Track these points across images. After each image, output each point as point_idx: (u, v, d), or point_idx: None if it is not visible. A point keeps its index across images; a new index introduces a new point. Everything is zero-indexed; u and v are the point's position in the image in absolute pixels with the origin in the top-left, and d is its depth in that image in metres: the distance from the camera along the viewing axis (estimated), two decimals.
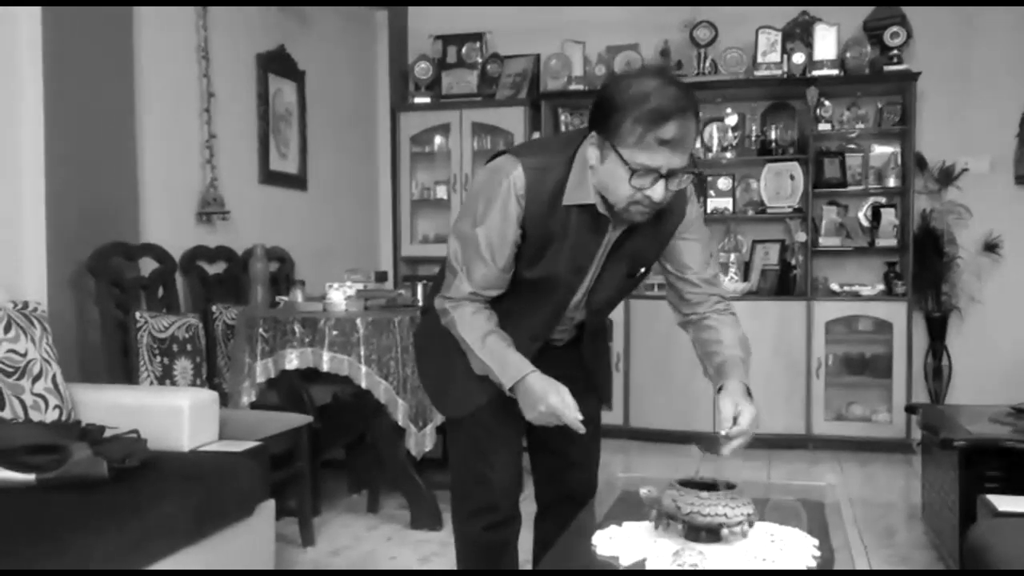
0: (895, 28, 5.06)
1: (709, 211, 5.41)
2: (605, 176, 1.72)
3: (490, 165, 1.87)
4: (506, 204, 1.79)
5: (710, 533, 1.62)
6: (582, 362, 2.08)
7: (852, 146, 5.33)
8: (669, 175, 1.67)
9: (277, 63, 4.67)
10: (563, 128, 5.68)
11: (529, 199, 1.79)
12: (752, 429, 1.82)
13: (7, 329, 2.51)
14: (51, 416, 2.52)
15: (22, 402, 2.47)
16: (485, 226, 1.82)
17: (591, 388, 2.10)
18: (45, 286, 3.09)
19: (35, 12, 3.07)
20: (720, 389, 1.92)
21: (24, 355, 2.52)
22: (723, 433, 1.80)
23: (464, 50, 5.80)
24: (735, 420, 1.82)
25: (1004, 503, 2.22)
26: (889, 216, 5.18)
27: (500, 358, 1.85)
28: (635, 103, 1.62)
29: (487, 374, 1.88)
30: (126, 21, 3.56)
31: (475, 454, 2.04)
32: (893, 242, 5.14)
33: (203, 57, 4.04)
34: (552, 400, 1.79)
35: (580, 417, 1.80)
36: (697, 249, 2.00)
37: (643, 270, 1.97)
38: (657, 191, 1.68)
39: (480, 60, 5.77)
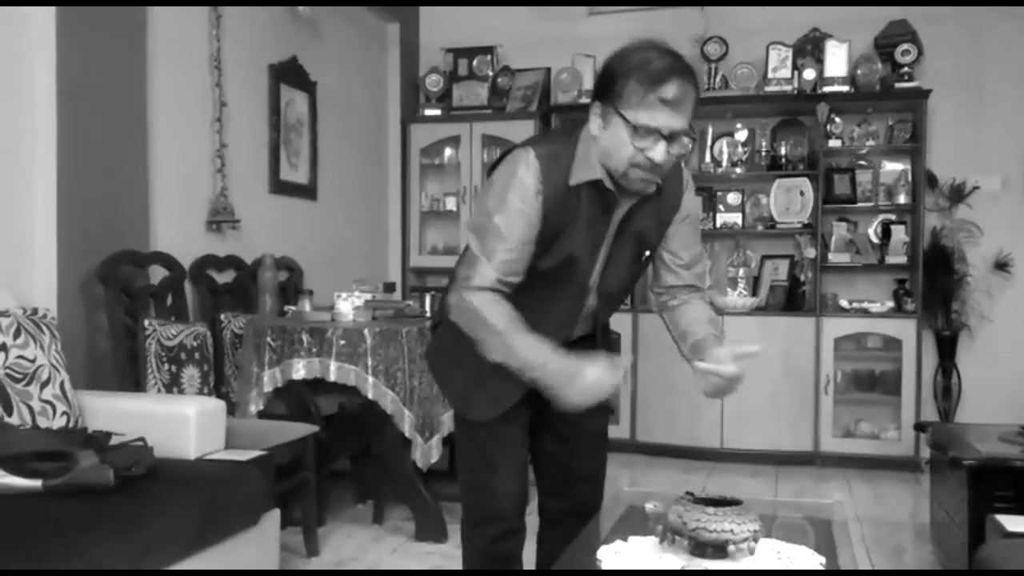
0: (906, 45, 5.06)
1: (718, 226, 5.41)
2: (607, 142, 1.78)
3: (505, 159, 1.90)
4: (524, 189, 1.81)
5: (716, 549, 1.61)
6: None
7: (862, 162, 5.32)
8: (670, 138, 1.73)
9: (289, 74, 4.70)
10: None
11: (545, 184, 1.82)
12: (733, 380, 1.87)
13: (16, 335, 2.52)
14: (58, 423, 2.53)
15: (30, 408, 2.48)
16: (504, 212, 1.82)
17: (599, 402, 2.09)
18: (55, 293, 3.10)
19: (50, 20, 3.08)
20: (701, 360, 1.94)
21: (33, 361, 2.53)
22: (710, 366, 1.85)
23: (475, 63, 5.81)
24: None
25: (1013, 523, 2.20)
26: (899, 233, 5.17)
27: (525, 341, 1.80)
28: (638, 67, 1.72)
29: (507, 361, 1.82)
30: (139, 29, 3.59)
31: (482, 463, 2.04)
32: (903, 259, 5.12)
33: (216, 67, 4.06)
34: (589, 372, 1.75)
35: (620, 373, 1.80)
36: (692, 241, 2.06)
37: (648, 253, 1.99)
38: (658, 151, 1.73)
39: (491, 73, 5.79)
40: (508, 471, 2.03)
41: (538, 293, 1.90)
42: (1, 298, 2.65)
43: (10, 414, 2.42)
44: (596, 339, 2.07)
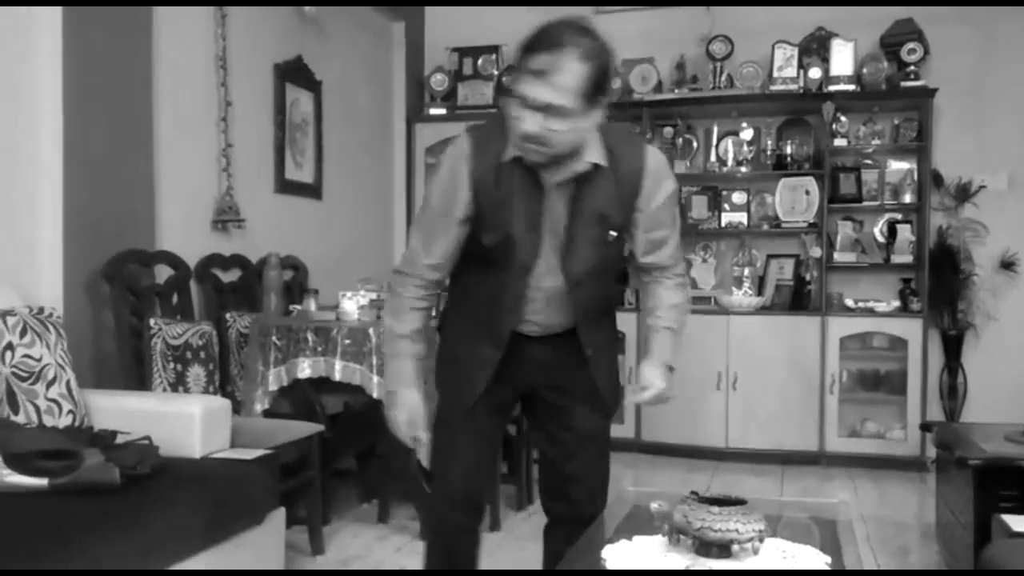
0: (912, 44, 5.05)
1: (723, 225, 5.40)
2: (510, 119, 1.82)
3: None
4: (454, 169, 1.92)
5: (721, 549, 1.60)
6: (584, 360, 2.04)
7: (868, 161, 5.31)
8: (548, 110, 1.72)
9: (294, 73, 4.70)
10: None
11: (475, 161, 1.90)
12: (655, 402, 2.00)
13: (23, 334, 2.52)
14: (64, 421, 2.54)
15: (36, 407, 2.49)
16: (436, 194, 1.96)
17: (595, 404, 2.09)
18: (61, 292, 3.11)
19: (56, 20, 3.09)
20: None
21: (39, 360, 2.54)
22: (629, 397, 1.98)
23: (480, 62, 5.82)
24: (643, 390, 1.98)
25: (1019, 523, 2.19)
26: (905, 232, 5.16)
27: (397, 360, 2.01)
28: (527, 39, 1.77)
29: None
30: (145, 29, 3.59)
31: (441, 451, 2.10)
32: (909, 258, 5.11)
33: (221, 66, 4.06)
34: (395, 412, 2.00)
35: (414, 439, 2.01)
36: (660, 222, 2.00)
37: (613, 234, 1.95)
38: (529, 122, 1.74)
39: (496, 72, 5.79)
40: (459, 462, 2.08)
41: (483, 271, 1.98)
42: (7, 297, 2.66)
43: (16, 413, 2.43)
44: (579, 334, 2.04)
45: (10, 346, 2.48)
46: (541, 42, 1.74)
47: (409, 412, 2.00)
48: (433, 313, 2.12)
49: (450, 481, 2.08)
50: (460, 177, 1.91)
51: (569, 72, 1.71)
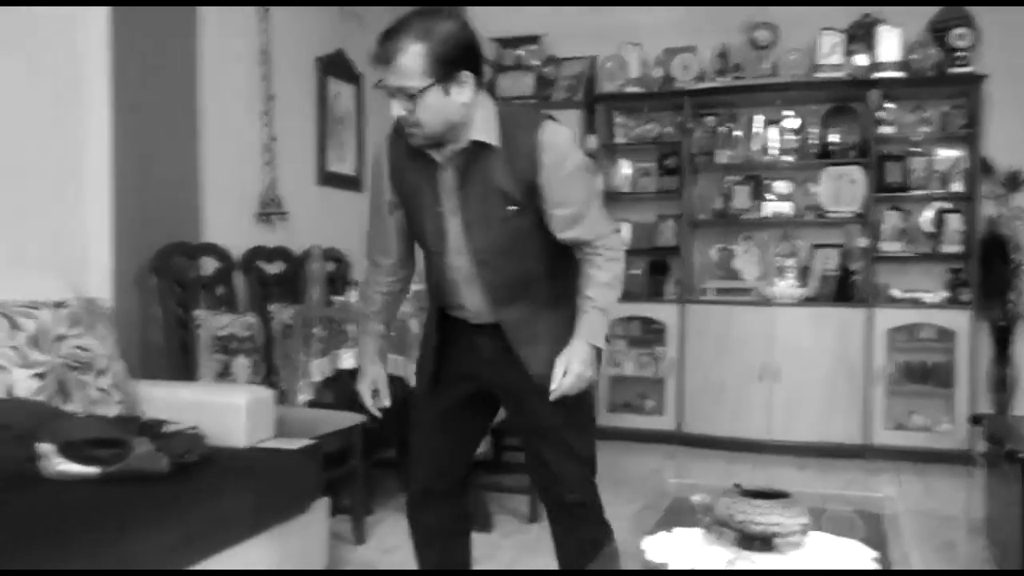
0: (961, 30, 4.94)
1: (767, 214, 5.34)
2: None
3: None
4: (377, 158, 2.09)
5: (763, 542, 1.59)
6: (506, 343, 2.03)
7: (916, 150, 5.21)
8: (399, 94, 1.83)
9: (336, 66, 4.73)
10: (619, 131, 5.65)
11: (392, 150, 2.04)
12: (573, 390, 1.96)
13: (74, 325, 2.58)
14: (114, 411, 2.59)
15: (87, 396, 2.54)
16: (371, 185, 2.14)
17: (530, 385, 2.02)
18: (110, 284, 3.17)
19: (104, 18, 3.15)
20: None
21: (90, 351, 2.59)
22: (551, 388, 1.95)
23: (521, 52, 5.80)
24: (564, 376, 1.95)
25: None
26: (954, 222, 5.06)
27: (362, 338, 2.22)
28: None
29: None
30: (190, 25, 3.64)
31: (413, 428, 2.22)
32: (958, 248, 5.01)
33: (264, 61, 4.11)
34: (360, 385, 2.18)
35: (373, 405, 2.16)
36: (566, 197, 1.97)
37: (512, 209, 1.94)
38: (394, 107, 1.85)
39: (537, 63, 5.77)
40: (419, 440, 2.20)
41: (432, 267, 2.08)
42: (60, 289, 2.72)
43: (68, 402, 2.48)
44: (497, 317, 2.03)
45: (62, 337, 2.53)
46: (386, 32, 1.84)
47: (371, 383, 2.17)
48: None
49: (415, 476, 2.21)
50: (382, 166, 2.07)
51: (407, 54, 1.80)
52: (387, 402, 2.18)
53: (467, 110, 1.88)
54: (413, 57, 1.79)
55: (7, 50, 2.85)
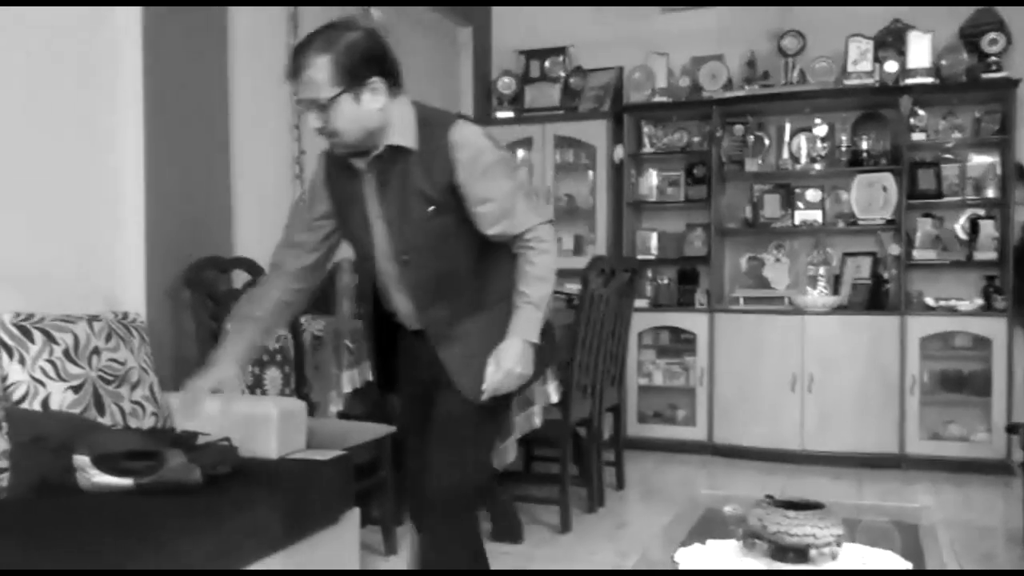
0: (993, 34, 4.88)
1: (797, 223, 5.30)
2: None
3: None
4: (316, 169, 2.15)
5: (798, 554, 1.58)
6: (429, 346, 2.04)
7: (948, 156, 5.15)
8: (312, 106, 1.89)
9: None
10: (646, 141, 5.64)
11: (327, 161, 2.10)
12: (503, 388, 1.95)
13: (108, 339, 2.61)
14: (148, 423, 2.62)
15: (121, 409, 2.57)
16: (301, 196, 2.22)
17: (445, 382, 2.02)
18: (144, 298, 3.20)
19: (136, 28, 3.19)
20: None
21: (123, 364, 2.62)
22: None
23: (547, 64, 5.82)
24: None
25: None
26: (988, 228, 4.99)
27: (232, 336, 2.20)
28: None
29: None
30: (221, 37, 3.68)
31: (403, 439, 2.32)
32: (992, 255, 4.94)
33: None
34: (200, 376, 2.14)
35: (192, 400, 2.10)
36: (484, 194, 1.97)
37: (431, 208, 1.96)
38: (311, 120, 1.91)
39: (563, 74, 5.78)
40: (410, 471, 2.24)
41: (362, 267, 2.16)
42: (94, 303, 2.76)
43: (103, 415, 2.51)
44: (420, 318, 2.05)
45: (97, 350, 2.57)
46: (295, 48, 1.91)
47: (216, 382, 2.15)
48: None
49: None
50: (318, 177, 2.14)
51: (313, 66, 1.86)
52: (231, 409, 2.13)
53: (384, 115, 1.93)
54: (319, 68, 1.85)
55: (41, 65, 2.90)
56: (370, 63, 1.89)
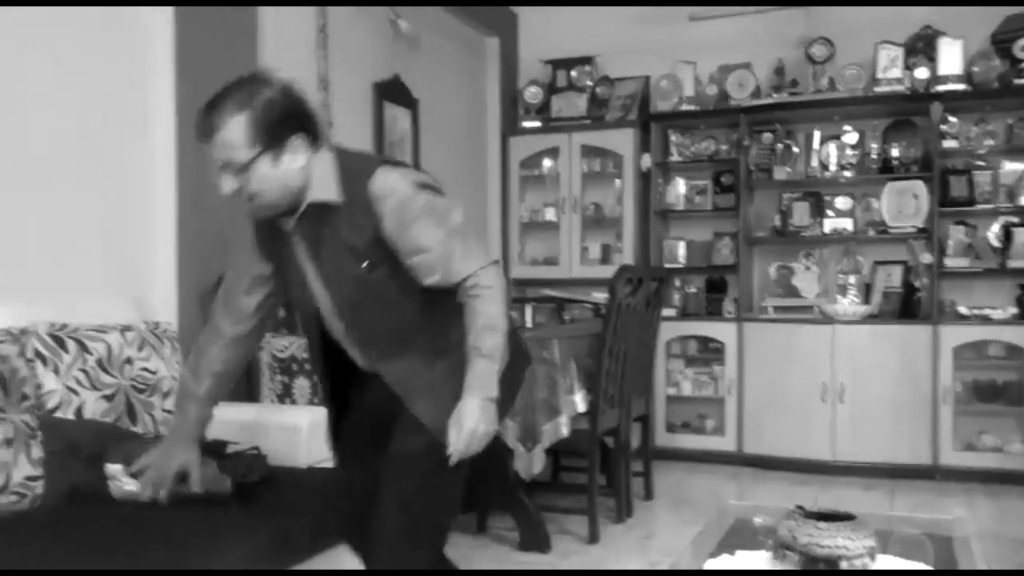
0: None
1: (827, 231, 5.26)
2: None
3: None
4: (247, 233, 2.05)
5: (829, 565, 1.56)
6: (391, 389, 1.99)
7: (980, 163, 5.09)
8: (228, 168, 1.79)
9: (392, 91, 4.80)
10: (673, 150, 5.63)
11: (256, 223, 1.99)
12: (471, 450, 1.87)
13: (140, 348, 2.65)
14: None
15: (153, 418, 2.60)
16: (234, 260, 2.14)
17: (415, 428, 1.94)
18: (175, 307, 3.24)
19: (168, 41, 3.24)
20: None
21: (155, 373, 2.66)
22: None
23: (574, 73, 5.83)
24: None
25: None
26: (1021, 236, 4.91)
27: (181, 416, 2.16)
28: None
29: None
30: (251, 52, 3.72)
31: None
32: None
33: (323, 87, 4.19)
34: (160, 458, 2.11)
35: (160, 482, 2.08)
36: (416, 244, 1.88)
37: (367, 263, 1.88)
38: (225, 184, 1.81)
39: (590, 83, 5.79)
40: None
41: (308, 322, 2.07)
42: (126, 313, 2.79)
43: (135, 424, 2.54)
44: (381, 372, 2.00)
45: (129, 360, 2.60)
46: (206, 105, 1.79)
47: (181, 464, 2.14)
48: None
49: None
50: (248, 240, 2.05)
51: (228, 126, 1.76)
52: (197, 488, 2.09)
53: (305, 172, 1.84)
54: (235, 128, 1.76)
55: (75, 75, 2.95)
56: (290, 121, 1.80)
